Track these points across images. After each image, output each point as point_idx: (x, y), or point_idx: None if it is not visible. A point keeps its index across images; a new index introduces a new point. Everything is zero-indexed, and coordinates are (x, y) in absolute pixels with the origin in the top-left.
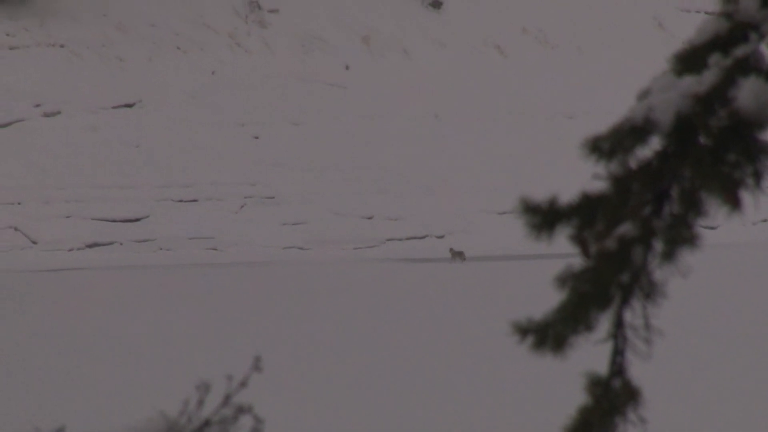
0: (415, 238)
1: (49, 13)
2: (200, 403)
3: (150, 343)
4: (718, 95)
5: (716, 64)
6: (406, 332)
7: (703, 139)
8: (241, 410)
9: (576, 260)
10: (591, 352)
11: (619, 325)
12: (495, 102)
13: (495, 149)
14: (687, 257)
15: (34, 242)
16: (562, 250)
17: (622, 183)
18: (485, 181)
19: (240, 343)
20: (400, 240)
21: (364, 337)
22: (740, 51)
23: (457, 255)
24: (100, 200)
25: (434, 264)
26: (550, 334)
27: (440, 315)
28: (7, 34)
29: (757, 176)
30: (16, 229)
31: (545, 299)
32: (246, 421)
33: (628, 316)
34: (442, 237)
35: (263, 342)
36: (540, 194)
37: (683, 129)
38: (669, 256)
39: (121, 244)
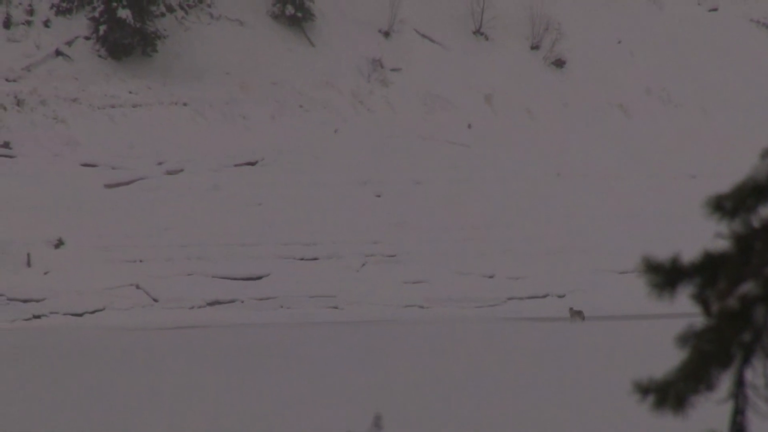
0: (536, 297)
1: (172, 72)
2: None
3: (271, 399)
4: None
5: None
6: (527, 391)
7: None
8: None
9: (698, 319)
10: (712, 412)
11: (740, 384)
12: (617, 161)
13: (617, 208)
14: None
15: (156, 300)
16: (684, 309)
17: (744, 242)
18: (606, 240)
19: (361, 401)
20: (521, 299)
21: (485, 396)
22: None
23: (577, 314)
24: (221, 258)
25: (555, 323)
26: (671, 393)
27: (561, 374)
28: (130, 92)
29: None
30: (137, 286)
31: (667, 358)
32: None
33: (749, 375)
34: (563, 296)
35: (383, 400)
36: (662, 254)
37: None
38: None
39: (242, 302)
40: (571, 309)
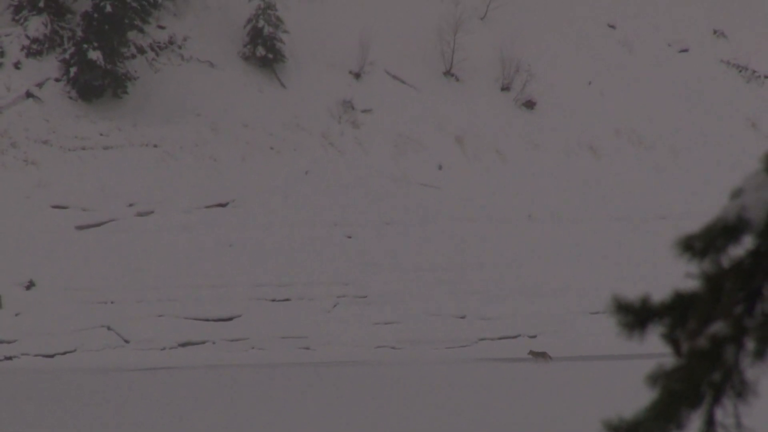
0: (507, 337)
1: (143, 113)
2: None
3: None
4: None
5: None
6: (500, 430)
7: None
8: None
9: (668, 359)
10: None
11: (710, 423)
12: (588, 203)
13: (588, 249)
14: None
15: (127, 341)
16: (654, 350)
17: (714, 282)
18: (577, 280)
19: None
20: (493, 339)
21: None
22: None
23: (540, 355)
24: (192, 299)
25: (527, 363)
26: None
27: (533, 414)
28: (101, 134)
29: None
30: (108, 328)
31: (637, 398)
32: None
33: (719, 414)
34: (534, 336)
35: None
36: (634, 294)
37: None
38: (761, 354)
39: (214, 343)
40: (531, 351)
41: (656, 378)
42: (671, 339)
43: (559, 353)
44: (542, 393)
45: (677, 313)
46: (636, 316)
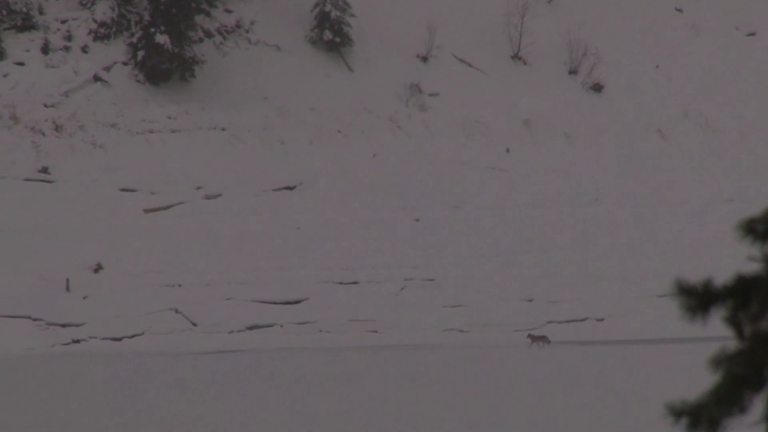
0: (575, 320)
1: (210, 97)
2: None
3: (311, 422)
4: None
5: None
6: (564, 413)
7: None
8: None
9: (730, 342)
10: None
11: None
12: (655, 186)
13: (654, 232)
14: None
15: (195, 324)
16: (718, 333)
17: None
18: (644, 263)
19: (400, 424)
20: (560, 323)
21: (524, 419)
22: None
23: (538, 339)
24: (260, 282)
25: (594, 346)
26: (704, 416)
27: (600, 396)
28: (169, 117)
29: None
30: (176, 311)
31: (701, 381)
32: None
33: None
34: (601, 320)
35: (421, 423)
36: (698, 277)
37: None
38: None
39: (282, 326)
40: (530, 335)
41: (719, 361)
42: (734, 322)
43: (626, 336)
44: (609, 375)
45: (740, 297)
46: (699, 299)
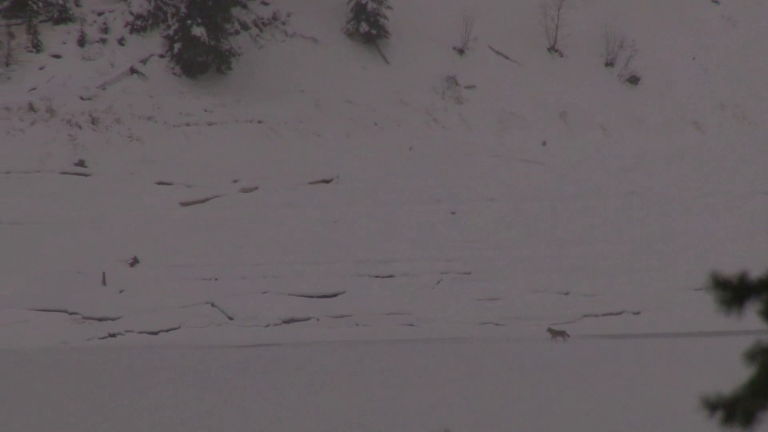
0: (611, 314)
1: (247, 89)
2: None
3: (347, 416)
4: None
5: None
6: (599, 407)
7: None
8: None
9: (766, 335)
10: None
11: None
12: (691, 178)
13: (691, 224)
14: None
15: (231, 318)
16: (754, 326)
17: None
18: (680, 256)
19: (436, 417)
20: (596, 316)
21: (559, 411)
22: None
23: (558, 334)
24: (296, 276)
25: (630, 340)
26: (739, 410)
27: (635, 390)
28: (205, 110)
29: None
30: (212, 305)
31: (736, 375)
32: None
33: None
34: (638, 313)
35: (456, 416)
36: (734, 270)
37: None
38: None
39: (318, 319)
40: (550, 329)
41: (754, 355)
42: None
43: (662, 329)
44: (643, 369)
45: None
46: (734, 292)
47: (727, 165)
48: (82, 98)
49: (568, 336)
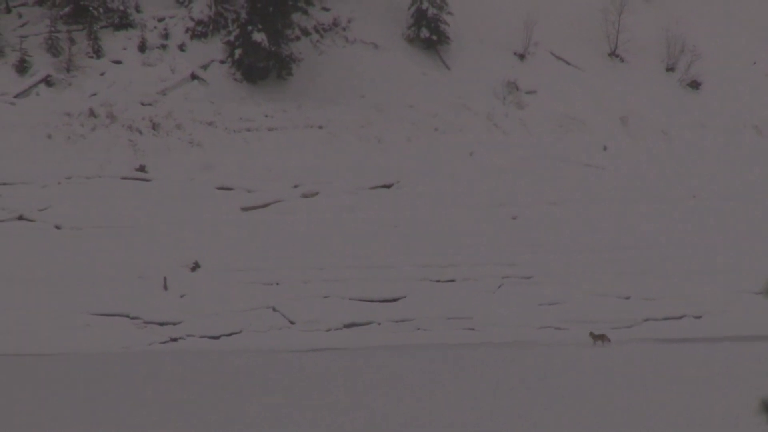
0: (672, 318)
1: (307, 95)
2: None
3: (405, 419)
4: None
5: None
6: (659, 412)
7: None
8: None
9: None
10: None
11: None
12: (753, 182)
13: (753, 228)
14: None
15: (292, 322)
16: None
17: None
18: (743, 260)
19: (495, 422)
20: (657, 320)
21: (618, 418)
22: None
23: (599, 338)
24: (358, 280)
25: (691, 344)
26: None
27: (695, 395)
28: (266, 115)
29: None
30: (274, 309)
31: None
32: None
33: None
34: (699, 317)
35: (515, 421)
36: None
37: None
38: None
39: (379, 324)
40: (591, 333)
41: None
42: None
43: (724, 333)
44: (706, 374)
45: None
46: None
47: None
48: (142, 104)
49: (608, 340)
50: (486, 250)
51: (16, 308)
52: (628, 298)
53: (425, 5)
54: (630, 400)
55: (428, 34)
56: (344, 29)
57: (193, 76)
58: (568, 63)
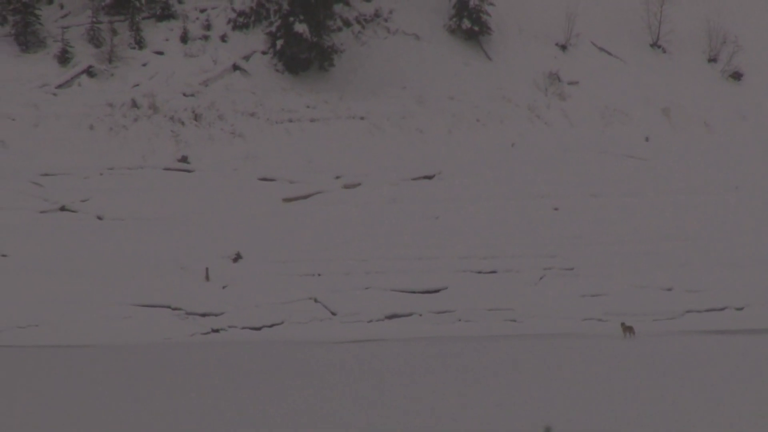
0: (714, 309)
1: (349, 86)
2: None
3: (448, 410)
4: None
5: None
6: (702, 404)
7: None
8: None
9: None
10: None
11: None
12: None
13: None
14: None
15: (334, 313)
16: None
17: None
18: None
19: (539, 414)
20: (699, 312)
21: (661, 410)
22: None
23: (627, 329)
24: (399, 271)
25: (733, 336)
26: None
27: (737, 387)
28: (308, 106)
29: None
30: (316, 300)
31: None
32: None
33: None
34: (741, 309)
35: (558, 413)
36: None
37: None
38: None
39: (421, 315)
40: (622, 324)
41: None
42: None
43: (766, 325)
44: (748, 366)
45: None
46: None
47: None
48: (184, 95)
49: (634, 332)
50: (527, 242)
51: (57, 300)
52: (669, 289)
53: None
54: (672, 391)
55: (470, 24)
56: (386, 20)
57: (235, 67)
58: (610, 54)
